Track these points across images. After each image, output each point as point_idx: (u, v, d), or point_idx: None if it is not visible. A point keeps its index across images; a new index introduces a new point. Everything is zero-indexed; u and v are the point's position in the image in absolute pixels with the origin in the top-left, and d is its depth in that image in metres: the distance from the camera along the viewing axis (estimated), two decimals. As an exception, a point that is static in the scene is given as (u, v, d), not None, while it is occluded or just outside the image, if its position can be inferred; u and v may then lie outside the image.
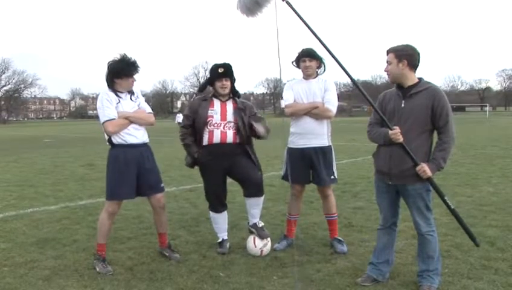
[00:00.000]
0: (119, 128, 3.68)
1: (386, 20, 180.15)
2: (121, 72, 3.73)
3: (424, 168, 3.02)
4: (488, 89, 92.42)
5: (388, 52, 3.17)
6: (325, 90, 4.03)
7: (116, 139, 3.71)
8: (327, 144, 4.08)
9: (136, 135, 3.76)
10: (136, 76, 3.81)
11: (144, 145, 3.85)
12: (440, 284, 3.22)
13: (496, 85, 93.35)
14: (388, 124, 3.12)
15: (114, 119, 3.66)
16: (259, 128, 4.07)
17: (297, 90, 4.11)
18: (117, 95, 3.75)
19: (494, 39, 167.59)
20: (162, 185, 3.98)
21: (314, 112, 4.01)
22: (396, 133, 3.05)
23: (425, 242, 3.19)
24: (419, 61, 3.15)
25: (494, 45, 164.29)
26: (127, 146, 3.72)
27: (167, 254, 3.98)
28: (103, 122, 3.66)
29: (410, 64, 3.11)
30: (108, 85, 3.80)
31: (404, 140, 3.05)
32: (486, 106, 74.08)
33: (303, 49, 4.06)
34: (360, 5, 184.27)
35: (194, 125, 4.06)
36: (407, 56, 3.10)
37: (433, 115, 3.06)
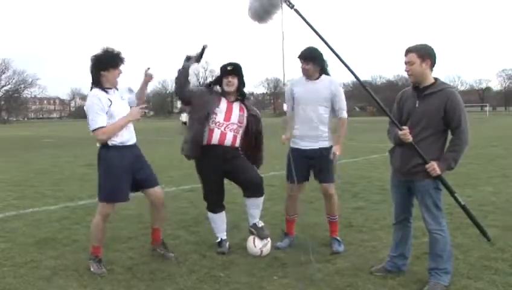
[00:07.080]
0: (111, 135, 3.58)
1: (385, 20, 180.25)
2: (107, 63, 3.60)
3: (434, 166, 3.06)
4: (488, 89, 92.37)
5: (408, 51, 3.13)
6: (332, 94, 4.02)
7: (111, 141, 3.62)
8: (328, 145, 4.08)
9: (127, 136, 3.70)
10: (122, 68, 3.68)
11: (135, 145, 3.81)
12: (450, 283, 3.21)
13: (496, 85, 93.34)
14: (397, 124, 3.18)
15: (105, 126, 3.53)
16: None
17: (301, 92, 4.06)
18: (107, 93, 3.61)
19: (494, 39, 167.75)
20: (158, 180, 3.92)
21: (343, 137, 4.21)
22: (405, 133, 3.09)
23: (433, 241, 3.22)
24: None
25: (494, 45, 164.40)
26: (121, 147, 3.66)
27: (161, 252, 3.92)
28: (94, 130, 3.54)
29: (432, 65, 3.12)
30: (93, 82, 3.64)
31: (417, 140, 3.09)
32: (486, 105, 74.08)
33: (303, 50, 4.02)
34: (359, 5, 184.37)
35: (192, 102, 4.03)
36: (430, 56, 3.11)
37: (445, 116, 3.07)
